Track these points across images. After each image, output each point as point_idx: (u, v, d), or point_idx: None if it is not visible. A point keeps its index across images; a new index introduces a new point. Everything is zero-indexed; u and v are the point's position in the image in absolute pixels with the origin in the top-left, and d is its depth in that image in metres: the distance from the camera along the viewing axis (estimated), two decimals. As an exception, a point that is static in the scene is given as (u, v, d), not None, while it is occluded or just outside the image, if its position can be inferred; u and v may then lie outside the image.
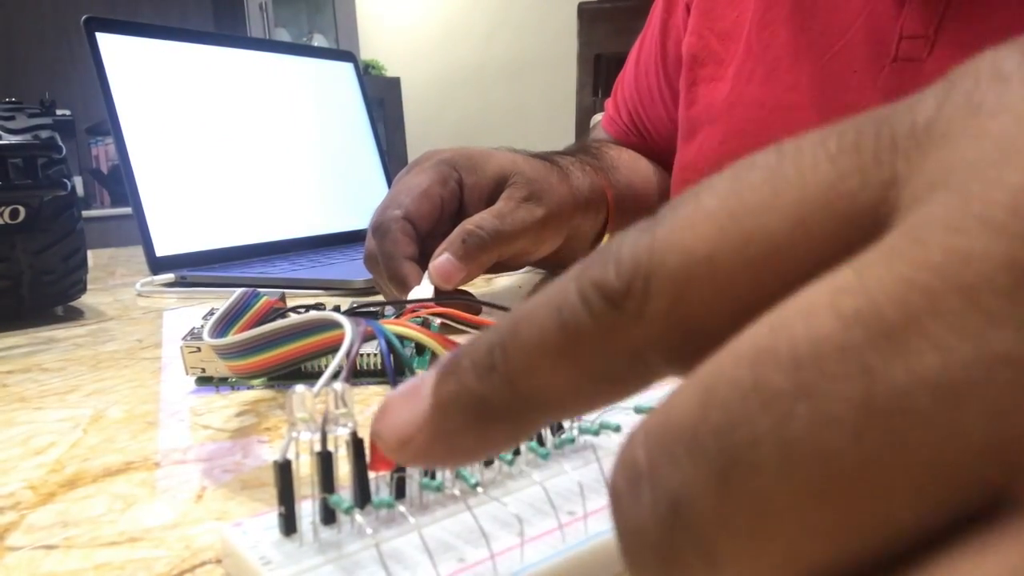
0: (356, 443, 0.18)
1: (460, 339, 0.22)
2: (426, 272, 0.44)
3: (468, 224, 0.45)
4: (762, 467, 0.09)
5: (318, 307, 0.42)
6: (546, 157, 0.53)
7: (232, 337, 0.27)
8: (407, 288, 0.44)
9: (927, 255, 0.08)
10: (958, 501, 0.08)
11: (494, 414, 0.12)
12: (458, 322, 0.33)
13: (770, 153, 0.10)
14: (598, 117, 0.94)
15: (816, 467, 0.08)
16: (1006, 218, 0.08)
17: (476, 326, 0.33)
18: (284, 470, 0.17)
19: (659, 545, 0.09)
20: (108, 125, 0.71)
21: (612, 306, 0.10)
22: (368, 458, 0.18)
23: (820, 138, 0.10)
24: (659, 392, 0.11)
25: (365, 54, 3.33)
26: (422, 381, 0.13)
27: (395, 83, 3.27)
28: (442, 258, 0.43)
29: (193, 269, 0.69)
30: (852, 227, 0.09)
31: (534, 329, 0.11)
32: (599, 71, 1.70)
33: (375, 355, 0.34)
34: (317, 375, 0.18)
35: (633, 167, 0.66)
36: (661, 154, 0.69)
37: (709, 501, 0.09)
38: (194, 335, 0.35)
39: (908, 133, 0.09)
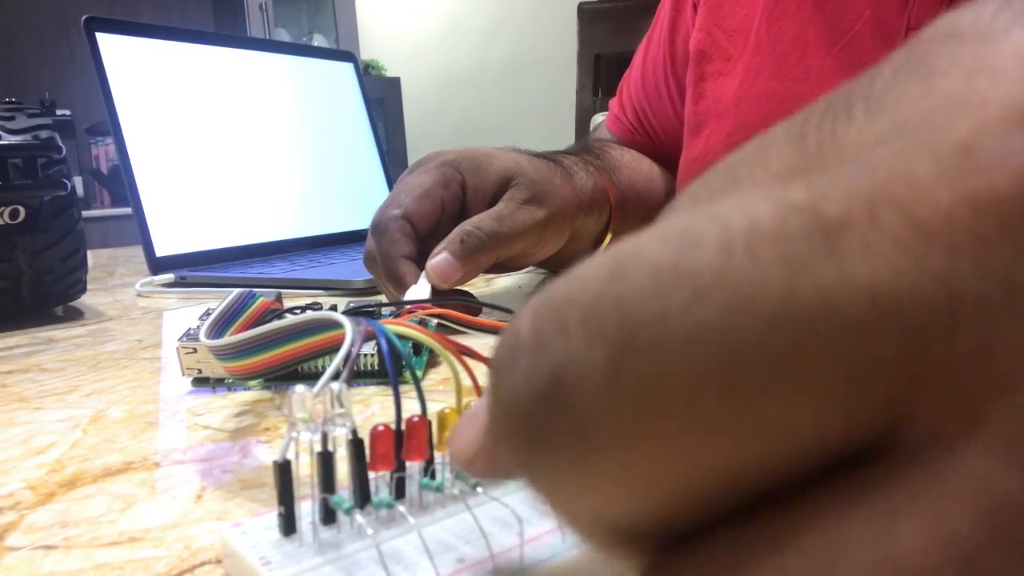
0: (356, 443, 0.18)
1: (458, 339, 0.22)
2: (423, 272, 0.43)
3: (467, 225, 0.45)
4: (666, 347, 0.08)
5: (315, 307, 0.42)
6: (550, 157, 0.53)
7: (229, 338, 0.26)
8: (404, 287, 0.43)
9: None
10: (857, 421, 0.08)
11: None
12: (456, 323, 0.33)
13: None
14: (599, 117, 0.94)
15: (725, 355, 0.08)
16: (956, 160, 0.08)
17: (475, 327, 0.33)
18: (284, 470, 0.17)
19: (530, 420, 0.09)
20: (108, 125, 0.71)
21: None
22: (368, 458, 0.18)
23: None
24: None
25: (365, 54, 3.33)
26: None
27: (395, 83, 3.27)
28: (440, 257, 0.43)
29: (193, 269, 0.69)
30: None
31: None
32: (599, 71, 1.70)
33: (373, 355, 0.34)
34: (313, 376, 0.18)
35: (635, 167, 0.66)
36: (667, 153, 0.69)
37: (596, 377, 0.08)
38: (190, 336, 0.35)
39: (862, 105, 0.10)
